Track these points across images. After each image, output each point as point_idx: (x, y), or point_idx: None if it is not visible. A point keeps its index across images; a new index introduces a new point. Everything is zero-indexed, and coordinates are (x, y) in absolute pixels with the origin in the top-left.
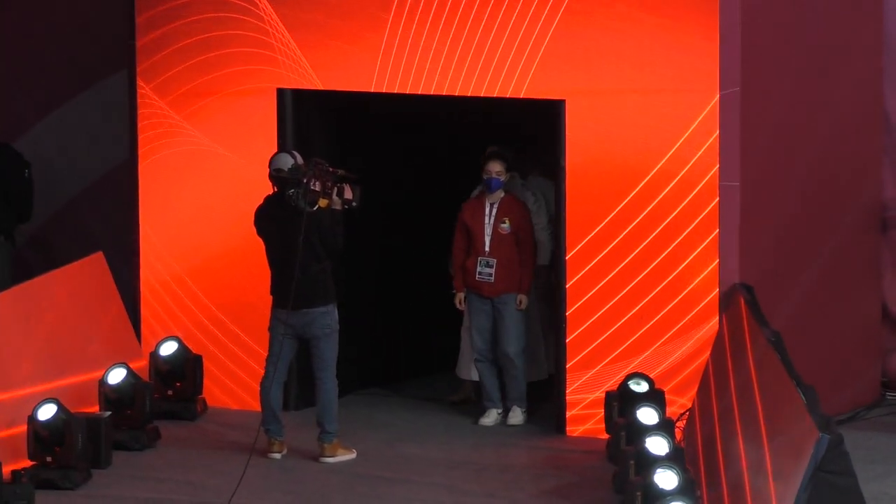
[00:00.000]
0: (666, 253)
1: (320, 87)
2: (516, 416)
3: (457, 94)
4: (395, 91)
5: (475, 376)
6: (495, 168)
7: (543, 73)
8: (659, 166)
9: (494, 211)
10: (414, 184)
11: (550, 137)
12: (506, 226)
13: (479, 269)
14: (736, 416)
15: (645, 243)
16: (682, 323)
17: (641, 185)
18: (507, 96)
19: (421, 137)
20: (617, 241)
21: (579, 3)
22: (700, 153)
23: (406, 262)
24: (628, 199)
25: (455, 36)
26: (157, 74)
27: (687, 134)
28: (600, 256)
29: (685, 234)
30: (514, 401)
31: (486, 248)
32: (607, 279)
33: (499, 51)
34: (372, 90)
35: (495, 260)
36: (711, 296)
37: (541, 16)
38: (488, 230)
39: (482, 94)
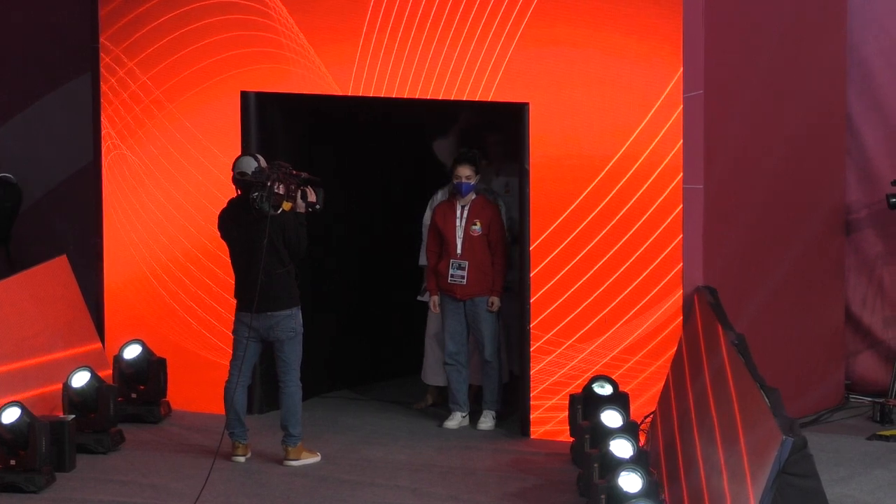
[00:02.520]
0: (629, 255)
1: (284, 91)
2: (486, 422)
3: (429, 97)
4: (371, 94)
5: (439, 381)
6: (465, 172)
7: (509, 79)
8: (615, 165)
9: (465, 213)
10: (381, 186)
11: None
12: (477, 228)
13: (451, 271)
14: (701, 418)
15: (607, 244)
16: (646, 326)
17: (597, 186)
18: (476, 99)
19: (387, 139)
20: (579, 244)
21: (545, 6)
22: (662, 156)
23: (374, 265)
24: (583, 198)
25: (426, 42)
26: (119, 77)
27: (641, 132)
28: (559, 251)
29: (649, 237)
30: (488, 404)
31: (458, 251)
32: (571, 282)
33: (467, 56)
34: (349, 93)
35: (467, 262)
36: (675, 298)
37: (507, 22)
38: (459, 232)
39: (452, 98)
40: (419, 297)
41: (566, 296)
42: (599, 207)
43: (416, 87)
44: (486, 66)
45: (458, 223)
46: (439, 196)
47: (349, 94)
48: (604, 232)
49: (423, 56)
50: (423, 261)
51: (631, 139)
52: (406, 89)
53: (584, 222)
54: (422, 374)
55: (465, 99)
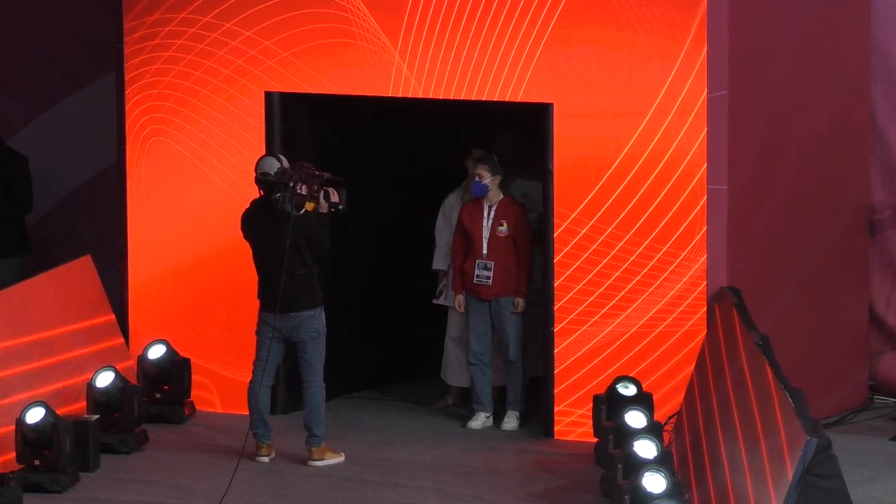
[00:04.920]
0: (653, 256)
1: (321, 92)
2: (510, 422)
3: (460, 98)
4: (399, 95)
5: (462, 382)
6: (479, 171)
7: (535, 79)
8: (638, 166)
9: (492, 213)
10: (403, 187)
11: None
12: (503, 228)
13: (476, 271)
14: (725, 419)
15: (630, 245)
16: (670, 326)
17: (620, 187)
18: (506, 100)
19: (412, 140)
20: (602, 245)
21: (572, 7)
22: (686, 156)
23: (396, 265)
24: (606, 199)
25: (459, 44)
26: (144, 76)
27: (664, 132)
28: (582, 251)
29: (673, 237)
30: (512, 404)
31: (484, 251)
32: (596, 283)
33: (497, 58)
34: (377, 94)
35: (493, 262)
36: (699, 299)
37: (535, 24)
38: (486, 233)
39: (483, 98)
40: (434, 301)
41: (590, 297)
42: (622, 208)
43: (447, 87)
44: (515, 67)
45: (484, 223)
46: (451, 199)
47: (376, 94)
48: (627, 232)
49: (455, 58)
50: (436, 265)
51: (654, 139)
52: (435, 90)
53: (608, 223)
54: (442, 373)
55: (494, 100)
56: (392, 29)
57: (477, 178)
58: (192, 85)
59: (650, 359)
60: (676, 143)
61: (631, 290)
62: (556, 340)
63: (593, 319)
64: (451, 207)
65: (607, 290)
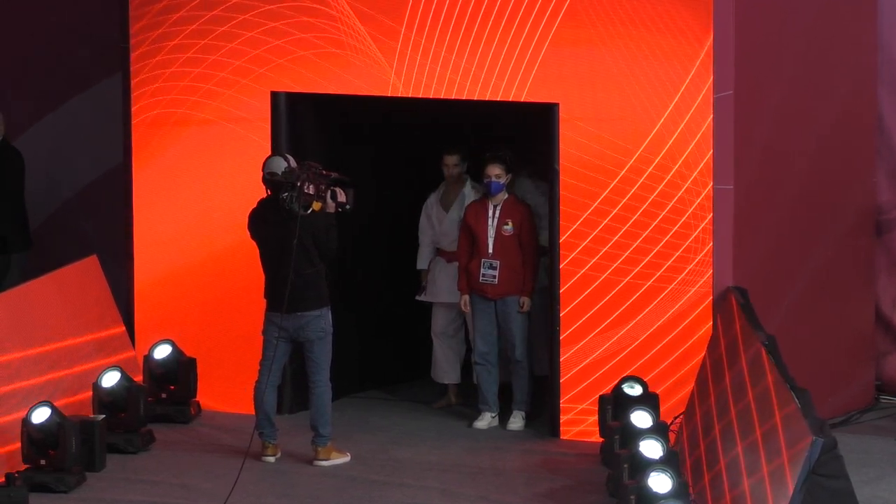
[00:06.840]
0: (659, 255)
1: (325, 92)
2: (516, 422)
3: (463, 98)
4: (404, 95)
5: (451, 379)
6: (494, 171)
7: (541, 79)
8: (651, 170)
9: (497, 213)
10: (411, 186)
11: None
12: (509, 227)
13: (482, 270)
14: (730, 419)
15: (639, 245)
16: (676, 326)
17: (626, 187)
18: (509, 100)
19: (418, 139)
20: (608, 244)
21: (577, 7)
22: (692, 156)
23: (404, 264)
24: (612, 199)
25: (462, 43)
26: (149, 76)
27: (670, 132)
28: (588, 252)
29: (679, 237)
30: (518, 404)
31: (490, 250)
32: (600, 282)
33: (501, 57)
34: (383, 94)
35: (498, 262)
36: (706, 299)
37: (540, 23)
38: (491, 232)
39: (486, 98)
40: (417, 297)
41: (595, 299)
42: (627, 209)
43: (450, 88)
44: (519, 66)
45: (489, 223)
46: (431, 200)
47: (383, 94)
48: (632, 233)
49: (458, 57)
50: (420, 265)
51: (662, 140)
52: (440, 90)
53: (615, 224)
54: (432, 372)
55: (497, 99)
56: (397, 29)
57: (495, 178)
58: (198, 84)
59: (656, 359)
60: (683, 142)
61: (636, 291)
62: (562, 344)
63: (601, 327)
64: (431, 207)
65: (612, 290)
